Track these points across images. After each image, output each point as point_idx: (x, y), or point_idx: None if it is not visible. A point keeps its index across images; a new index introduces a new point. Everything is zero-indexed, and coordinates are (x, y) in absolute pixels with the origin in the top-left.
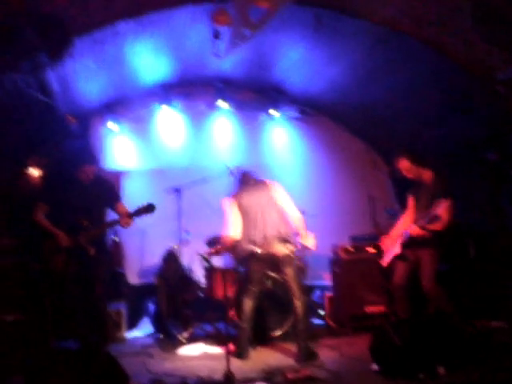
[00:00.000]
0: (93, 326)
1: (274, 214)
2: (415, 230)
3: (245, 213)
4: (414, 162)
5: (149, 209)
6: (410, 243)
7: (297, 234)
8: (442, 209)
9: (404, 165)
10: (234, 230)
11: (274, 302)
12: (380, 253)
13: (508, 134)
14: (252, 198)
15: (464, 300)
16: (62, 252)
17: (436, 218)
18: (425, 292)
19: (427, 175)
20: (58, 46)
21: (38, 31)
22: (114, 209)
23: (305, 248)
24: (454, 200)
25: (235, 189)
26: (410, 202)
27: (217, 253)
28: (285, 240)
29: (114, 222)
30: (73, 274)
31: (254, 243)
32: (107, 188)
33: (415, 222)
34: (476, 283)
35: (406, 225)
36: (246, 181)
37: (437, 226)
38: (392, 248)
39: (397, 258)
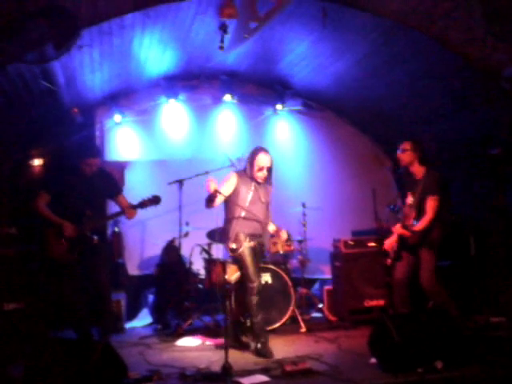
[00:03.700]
0: (97, 316)
1: (266, 212)
2: (398, 230)
3: (241, 196)
4: (415, 150)
5: (154, 201)
6: (405, 243)
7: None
8: (428, 206)
9: (404, 146)
10: (220, 198)
11: (272, 295)
12: (381, 248)
13: None
14: (254, 189)
15: (464, 296)
16: (65, 241)
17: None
18: (423, 288)
19: (421, 170)
20: (65, 37)
21: (46, 22)
22: (115, 201)
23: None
24: (443, 197)
25: (244, 169)
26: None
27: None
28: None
29: (119, 213)
30: (75, 263)
31: (246, 233)
32: (109, 180)
33: (403, 220)
34: (476, 279)
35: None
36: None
37: (421, 225)
38: (394, 246)
39: (394, 258)
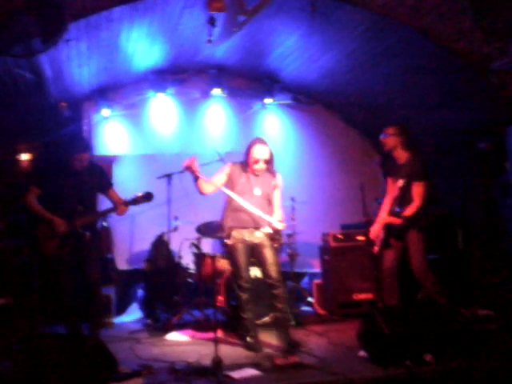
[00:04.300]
0: (87, 311)
1: (266, 204)
2: (386, 219)
3: (233, 187)
4: (399, 135)
5: (147, 197)
6: (392, 230)
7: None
8: (415, 193)
9: (389, 131)
10: (209, 185)
11: (261, 289)
12: (370, 241)
13: (502, 124)
14: (246, 180)
15: (452, 289)
16: (56, 237)
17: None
18: (414, 274)
19: (404, 155)
20: (53, 30)
21: (33, 15)
22: (106, 195)
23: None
24: (429, 183)
25: (242, 160)
26: (390, 184)
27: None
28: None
29: (111, 210)
30: (66, 259)
31: (239, 227)
32: (100, 174)
33: (390, 207)
34: (464, 273)
35: (388, 208)
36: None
37: (410, 211)
38: (380, 235)
39: (382, 245)
